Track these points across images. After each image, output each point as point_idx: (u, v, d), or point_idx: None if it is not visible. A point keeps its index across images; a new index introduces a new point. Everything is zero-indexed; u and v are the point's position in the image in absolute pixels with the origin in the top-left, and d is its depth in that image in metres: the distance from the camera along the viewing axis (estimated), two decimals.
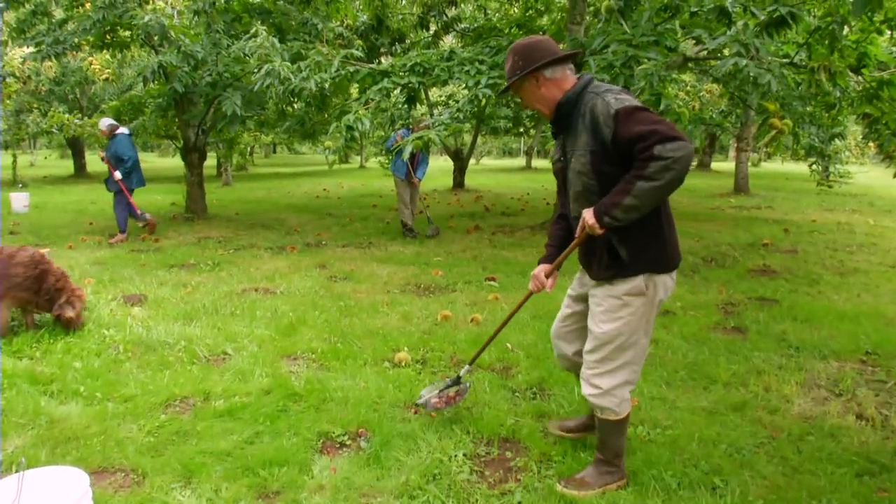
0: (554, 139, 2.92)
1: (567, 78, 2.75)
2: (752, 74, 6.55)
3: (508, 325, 5.24)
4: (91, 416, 3.64)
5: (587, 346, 2.84)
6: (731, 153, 42.93)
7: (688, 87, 17.58)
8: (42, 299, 4.89)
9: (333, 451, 3.31)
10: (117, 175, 9.54)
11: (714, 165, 31.85)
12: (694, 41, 8.98)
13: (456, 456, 3.21)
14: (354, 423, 3.57)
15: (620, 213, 2.48)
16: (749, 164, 19.33)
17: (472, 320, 5.42)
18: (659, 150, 2.34)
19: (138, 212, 9.92)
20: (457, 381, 3.68)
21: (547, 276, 3.00)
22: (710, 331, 5.24)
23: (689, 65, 10.05)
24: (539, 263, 3.07)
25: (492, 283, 6.85)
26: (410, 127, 9.50)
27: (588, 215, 2.59)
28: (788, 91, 7.39)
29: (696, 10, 7.38)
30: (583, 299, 3.01)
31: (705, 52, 8.89)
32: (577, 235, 2.76)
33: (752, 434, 3.44)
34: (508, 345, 4.82)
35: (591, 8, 10.51)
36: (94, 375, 4.22)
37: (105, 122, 9.87)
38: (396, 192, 10.38)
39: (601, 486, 2.91)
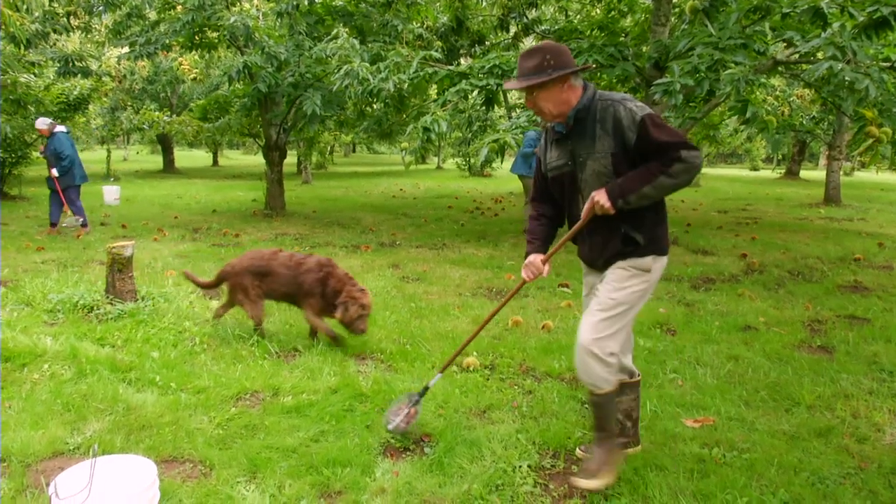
0: (549, 144, 3.03)
1: (579, 87, 2.86)
2: (847, 79, 6.21)
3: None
4: (165, 406, 3.74)
5: (592, 311, 2.90)
6: (822, 161, 41.18)
7: (777, 92, 16.90)
8: (328, 303, 4.80)
9: (396, 455, 3.29)
10: (54, 172, 9.81)
11: (803, 174, 30.54)
12: (785, 44, 8.61)
13: (520, 467, 3.14)
14: (418, 427, 3.55)
15: (635, 198, 2.69)
16: (841, 173, 18.41)
17: (543, 327, 5.33)
18: (685, 154, 2.63)
19: (67, 212, 10.03)
20: (424, 392, 3.54)
21: (543, 263, 3.06)
22: (794, 349, 4.98)
23: (780, 69, 9.65)
24: (528, 255, 3.11)
25: (565, 289, 6.72)
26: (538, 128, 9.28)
27: (601, 197, 2.70)
28: (888, 97, 6.96)
29: (788, 11, 7.06)
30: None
31: (797, 56, 8.51)
32: (583, 218, 2.84)
33: (838, 463, 3.23)
34: None
35: (677, 9, 10.21)
36: (170, 366, 4.34)
37: (43, 122, 10.09)
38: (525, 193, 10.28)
39: (615, 463, 2.95)
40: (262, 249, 5.17)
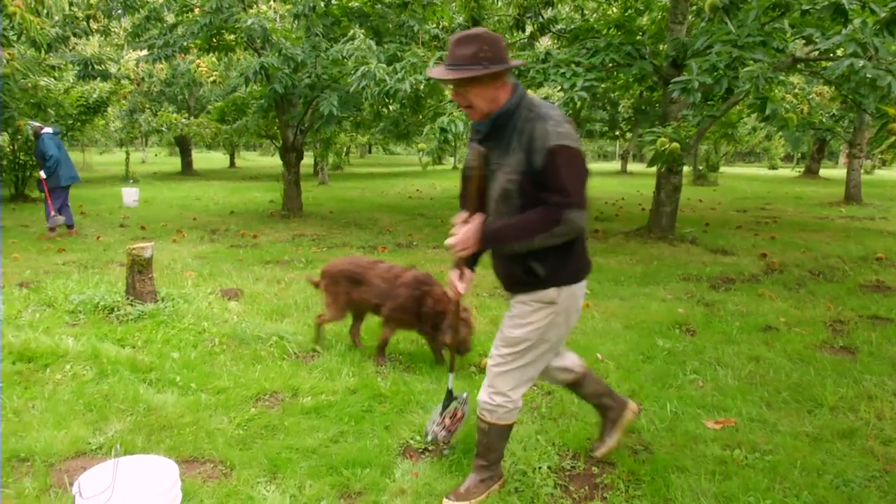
0: (471, 142, 2.82)
1: (510, 86, 2.62)
2: (869, 76, 6.14)
3: (600, 334, 5.15)
4: (185, 406, 3.77)
5: (497, 345, 2.85)
6: (842, 159, 40.72)
7: (796, 90, 16.73)
8: (426, 325, 4.51)
9: (416, 456, 3.29)
10: (42, 174, 9.81)
11: (822, 172, 30.18)
12: (804, 41, 8.53)
13: (540, 468, 3.13)
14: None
15: (508, 248, 2.60)
16: (862, 171, 18.19)
17: None
18: (574, 216, 2.46)
19: (52, 213, 9.87)
20: (449, 396, 3.36)
21: (459, 279, 2.91)
22: (816, 350, 4.92)
23: (799, 66, 9.55)
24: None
25: None
26: None
27: (469, 237, 2.59)
28: None
29: (808, 7, 6.99)
30: None
31: (816, 53, 8.42)
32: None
33: (863, 466, 3.19)
34: (598, 355, 4.67)
35: (694, 7, 10.14)
36: (190, 366, 4.37)
37: (30, 125, 10.21)
38: None
39: (486, 493, 2.90)
40: (363, 257, 5.03)
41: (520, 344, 2.75)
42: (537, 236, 2.49)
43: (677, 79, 7.05)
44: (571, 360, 3.13)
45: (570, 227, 2.48)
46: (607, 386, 3.29)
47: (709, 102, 9.01)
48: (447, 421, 3.31)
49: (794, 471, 3.11)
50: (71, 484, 2.89)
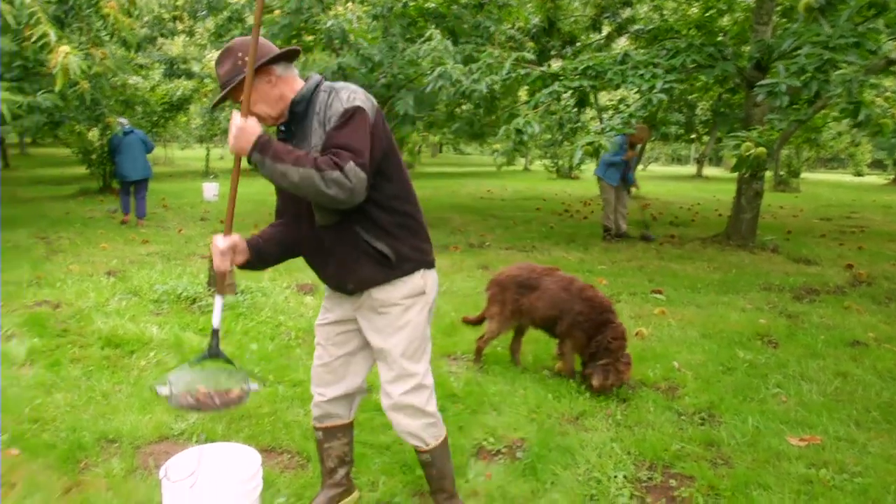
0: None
1: (296, 78, 2.43)
2: None
3: (676, 343, 5.03)
4: (263, 397, 3.86)
5: (383, 370, 2.53)
6: None
7: (887, 93, 15.96)
8: (588, 350, 4.13)
9: (488, 458, 3.27)
10: None
11: None
12: None
13: (615, 477, 3.07)
14: (511, 430, 3.52)
15: (273, 169, 2.15)
16: None
17: (636, 334, 5.19)
18: (350, 168, 2.12)
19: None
20: (217, 354, 2.67)
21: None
22: None
23: (893, 68, 9.10)
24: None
25: (658, 296, 6.54)
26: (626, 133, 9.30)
27: (245, 138, 2.18)
28: None
29: None
30: (352, 326, 2.60)
31: None
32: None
33: None
34: (675, 363, 4.56)
35: (779, 7, 9.79)
36: (267, 358, 4.48)
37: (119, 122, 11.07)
38: (602, 197, 10.34)
39: None
40: (535, 264, 4.64)
41: (406, 350, 2.47)
42: (310, 170, 2.12)
43: (763, 81, 6.80)
44: (357, 392, 2.73)
45: (346, 181, 2.12)
46: (352, 458, 2.86)
47: (794, 106, 8.69)
48: (211, 394, 2.57)
49: (888, 496, 2.95)
50: (156, 467, 3.00)
